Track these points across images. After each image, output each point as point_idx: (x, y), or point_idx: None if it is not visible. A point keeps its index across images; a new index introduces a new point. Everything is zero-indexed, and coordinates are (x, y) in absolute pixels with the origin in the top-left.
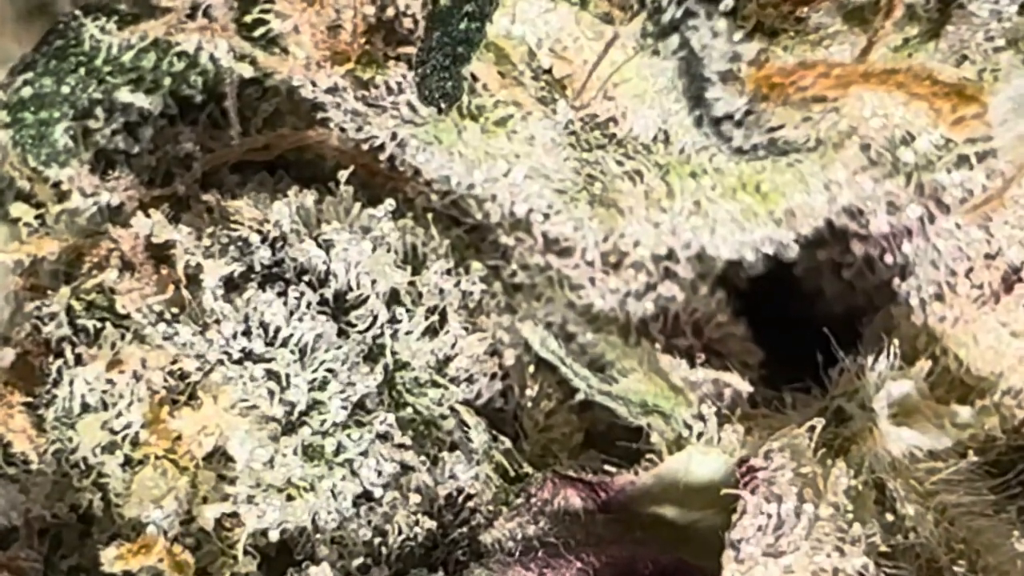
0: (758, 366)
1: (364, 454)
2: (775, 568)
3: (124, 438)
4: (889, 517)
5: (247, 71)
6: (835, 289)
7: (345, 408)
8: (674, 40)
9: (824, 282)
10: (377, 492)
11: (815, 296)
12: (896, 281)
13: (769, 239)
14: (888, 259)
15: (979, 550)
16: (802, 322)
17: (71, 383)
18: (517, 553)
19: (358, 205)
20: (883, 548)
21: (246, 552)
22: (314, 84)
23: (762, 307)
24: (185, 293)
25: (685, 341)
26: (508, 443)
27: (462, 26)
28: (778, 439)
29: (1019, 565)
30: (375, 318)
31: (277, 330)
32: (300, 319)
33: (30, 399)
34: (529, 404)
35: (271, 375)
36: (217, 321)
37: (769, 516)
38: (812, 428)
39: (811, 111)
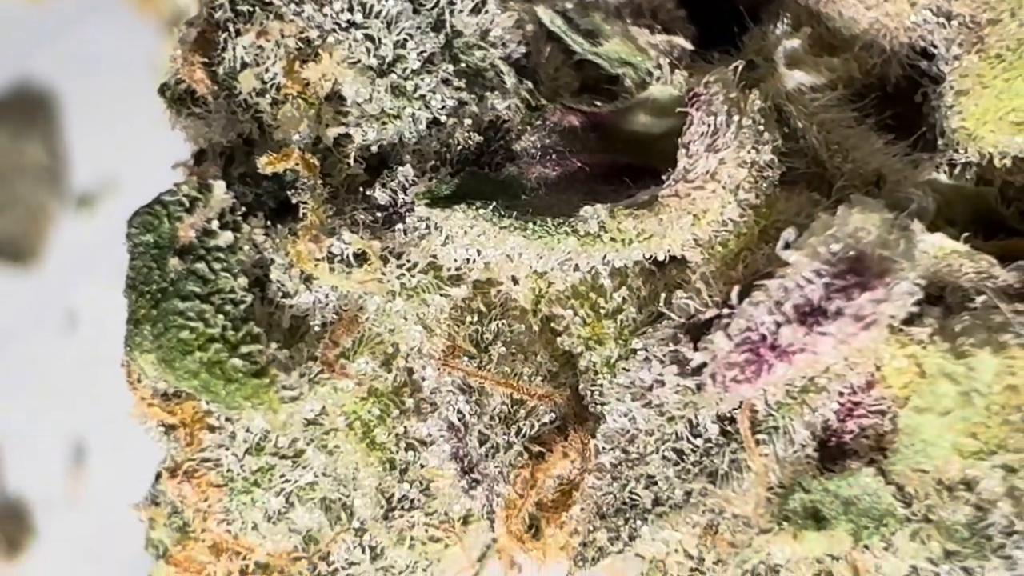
0: (694, 39)
1: (433, 92)
2: (713, 159)
3: (271, 85)
4: (786, 129)
5: None
6: None
7: (420, 61)
8: None
9: None
10: (442, 118)
11: None
12: None
13: None
14: None
15: (848, 149)
16: (719, 13)
17: (234, 48)
18: (538, 156)
19: None
20: (783, 149)
21: (355, 160)
22: None
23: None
24: None
25: (646, 21)
26: (531, 85)
27: None
28: (713, 75)
29: (876, 156)
30: (438, 1)
31: (372, 7)
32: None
33: (207, 60)
34: (543, 61)
35: (368, 38)
36: (330, 1)
37: (708, 125)
38: (735, 69)
39: None
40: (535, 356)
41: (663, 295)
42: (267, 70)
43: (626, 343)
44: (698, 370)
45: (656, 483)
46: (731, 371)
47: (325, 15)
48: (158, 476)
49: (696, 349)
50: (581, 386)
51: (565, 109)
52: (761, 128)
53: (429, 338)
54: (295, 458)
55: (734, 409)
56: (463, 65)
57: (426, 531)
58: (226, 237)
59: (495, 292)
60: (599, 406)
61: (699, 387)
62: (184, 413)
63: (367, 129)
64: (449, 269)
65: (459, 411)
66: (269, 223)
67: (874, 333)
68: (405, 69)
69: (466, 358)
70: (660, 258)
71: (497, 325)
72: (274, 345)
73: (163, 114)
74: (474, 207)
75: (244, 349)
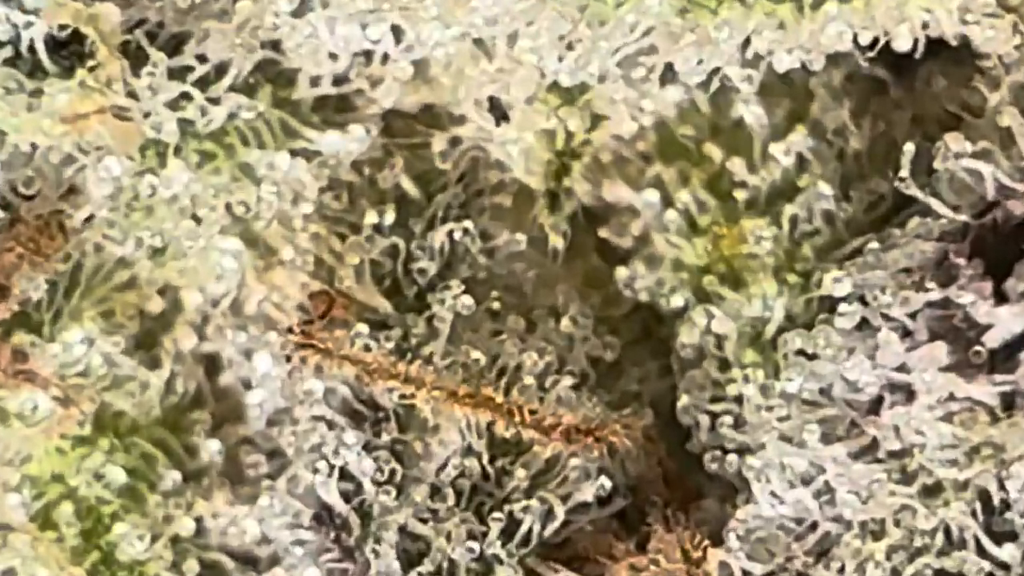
0: None
1: None
2: None
3: None
4: None
5: None
6: None
7: None
8: None
9: None
10: None
11: None
12: None
13: None
14: None
15: None
16: None
17: None
18: None
19: None
20: None
21: None
22: None
23: None
24: None
25: None
26: None
27: None
28: None
29: None
30: None
31: None
32: None
33: None
34: None
35: None
36: None
37: None
38: None
39: None
40: (554, 321)
41: (907, 146)
42: None
43: (807, 277)
44: (1014, 351)
45: None
46: None
47: None
48: None
49: (999, 294)
50: (683, 402)
51: None
52: None
53: (262, 273)
54: None
55: None
56: None
57: None
58: None
59: (445, 145)
60: (732, 459)
61: (1012, 401)
62: None
63: None
64: (316, 83)
65: (347, 470)
66: None
67: None
68: None
69: (364, 329)
70: (900, 47)
71: (450, 236)
72: None
73: None
74: None
75: None
